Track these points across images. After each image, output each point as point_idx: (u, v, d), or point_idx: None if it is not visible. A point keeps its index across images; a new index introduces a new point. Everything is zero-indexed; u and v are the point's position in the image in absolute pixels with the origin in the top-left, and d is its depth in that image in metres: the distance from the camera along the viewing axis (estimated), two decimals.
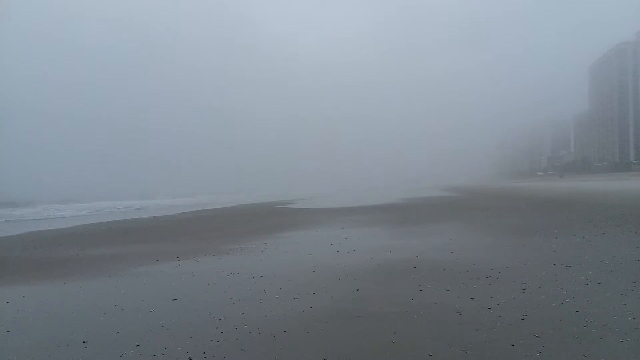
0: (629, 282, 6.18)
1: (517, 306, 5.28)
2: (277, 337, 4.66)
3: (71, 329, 5.31)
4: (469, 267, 7.64)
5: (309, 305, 5.78)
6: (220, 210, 32.89)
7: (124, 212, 37.15)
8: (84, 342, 4.80)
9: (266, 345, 4.48)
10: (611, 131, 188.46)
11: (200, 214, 28.13)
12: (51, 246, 13.92)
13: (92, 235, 17.11)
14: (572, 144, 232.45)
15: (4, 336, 5.19)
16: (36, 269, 9.74)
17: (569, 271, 7.00)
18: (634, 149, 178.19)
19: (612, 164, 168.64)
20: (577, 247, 9.13)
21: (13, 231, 20.24)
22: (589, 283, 6.20)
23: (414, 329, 4.72)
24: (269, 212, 27.76)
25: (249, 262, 9.31)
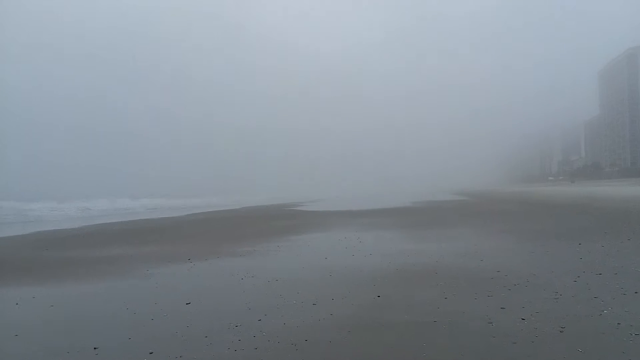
0: None
1: (553, 317, 4.95)
2: (298, 347, 4.38)
3: (82, 333, 5.07)
4: (494, 274, 7.32)
5: (329, 312, 5.50)
6: (230, 211, 32.72)
7: (134, 212, 37.09)
8: (94, 348, 4.54)
9: (288, 355, 4.20)
10: (622, 136, 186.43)
11: (210, 215, 27.97)
12: (62, 246, 13.75)
13: (103, 235, 16.95)
14: (583, 149, 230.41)
15: (12, 340, 4.96)
16: (47, 269, 9.55)
17: (601, 279, 6.65)
18: None
19: (623, 169, 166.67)
20: (604, 254, 8.76)
21: (23, 230, 20.15)
22: (625, 292, 5.86)
23: (444, 341, 4.42)
24: (279, 214, 27.52)
25: (263, 265, 9.04)
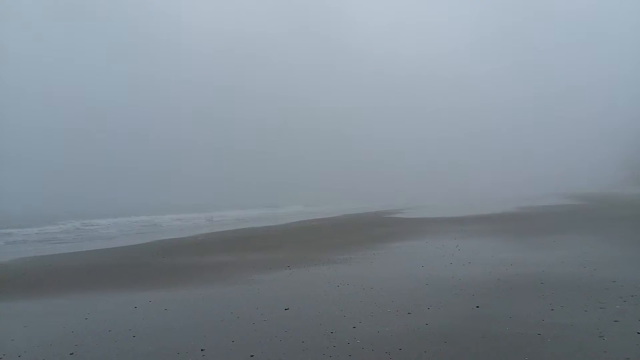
0: None
1: None
2: (392, 356, 4.40)
3: (191, 335, 5.52)
4: (608, 285, 6.72)
5: (425, 322, 5.43)
6: (326, 219, 33.27)
7: (234, 221, 39.20)
8: (201, 349, 4.94)
9: None
10: None
11: (309, 224, 28.69)
12: (174, 254, 14.98)
13: (211, 243, 18.16)
14: None
15: (131, 340, 5.53)
16: (163, 275, 10.47)
17: None
18: None
19: None
20: None
21: (142, 239, 22.23)
22: None
23: (549, 355, 4.18)
24: (376, 221, 27.45)
25: (359, 273, 9.14)
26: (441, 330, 5.08)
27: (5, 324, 6.91)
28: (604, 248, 10.74)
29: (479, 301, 6.29)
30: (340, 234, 19.65)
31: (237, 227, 29.09)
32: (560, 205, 37.35)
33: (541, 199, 58.41)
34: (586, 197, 57.69)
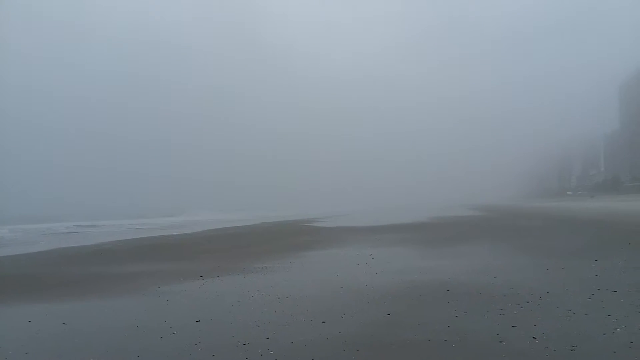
0: None
1: (565, 335, 4.86)
2: None
3: (91, 350, 5.12)
4: (507, 291, 7.21)
5: (338, 331, 5.47)
6: (243, 228, 32.81)
7: (148, 229, 37.42)
8: None
9: None
10: None
11: (223, 232, 28.08)
12: (76, 263, 13.94)
13: (117, 252, 17.15)
14: (602, 164, 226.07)
15: (22, 357, 5.03)
16: (61, 286, 9.69)
17: (615, 297, 6.51)
18: None
19: None
20: (620, 271, 8.57)
21: (40, 247, 20.48)
22: (639, 310, 5.73)
23: None
24: (293, 231, 27.52)
25: (274, 282, 9.04)
26: (354, 339, 5.14)
27: None
28: (503, 257, 11.56)
29: (391, 308, 6.47)
30: (257, 243, 19.44)
31: (148, 235, 27.78)
32: (466, 216, 39.83)
33: (449, 209, 61.99)
34: (486, 208, 62.04)
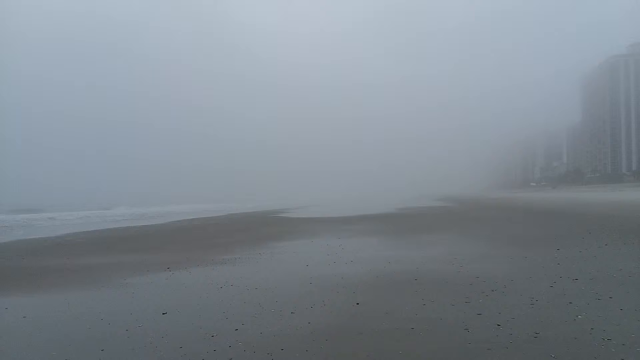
0: None
1: (528, 323, 4.99)
2: (274, 356, 4.34)
3: (53, 345, 4.96)
4: (473, 280, 7.36)
5: (307, 321, 5.46)
6: (212, 219, 32.45)
7: (114, 220, 36.57)
8: None
9: None
10: (603, 143, 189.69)
11: (192, 223, 27.70)
12: (39, 255, 13.49)
13: (81, 244, 16.68)
14: (565, 155, 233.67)
15: None
16: (22, 279, 9.34)
17: (576, 285, 6.73)
18: (626, 161, 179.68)
19: (604, 175, 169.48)
20: (581, 259, 8.87)
21: (1, 239, 19.74)
22: (599, 298, 5.93)
23: (421, 348, 4.42)
24: (263, 222, 27.38)
25: (243, 273, 8.97)
26: (323, 329, 5.14)
27: None
28: (469, 246, 11.80)
29: (359, 298, 6.50)
30: (226, 234, 19.25)
31: (114, 227, 27.15)
32: (432, 207, 40.50)
33: (417, 200, 62.89)
34: (453, 199, 63.23)
